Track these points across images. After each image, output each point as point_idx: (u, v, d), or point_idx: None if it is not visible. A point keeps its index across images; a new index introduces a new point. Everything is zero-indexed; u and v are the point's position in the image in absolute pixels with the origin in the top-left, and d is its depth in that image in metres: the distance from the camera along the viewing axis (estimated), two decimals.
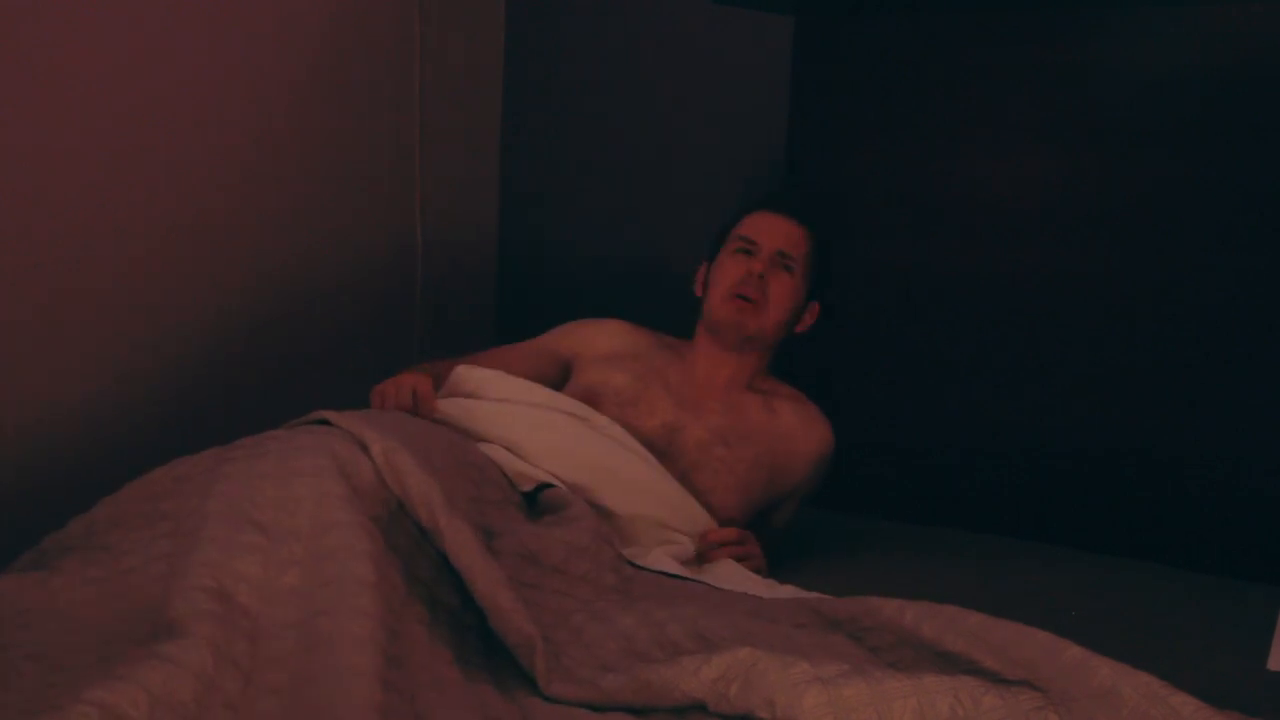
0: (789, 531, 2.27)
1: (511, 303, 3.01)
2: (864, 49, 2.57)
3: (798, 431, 2.23)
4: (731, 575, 1.97)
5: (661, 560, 1.94)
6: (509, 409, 2.03)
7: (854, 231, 2.60)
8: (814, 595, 1.83)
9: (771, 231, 2.20)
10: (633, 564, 1.89)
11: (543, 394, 2.09)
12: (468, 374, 2.12)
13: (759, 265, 2.17)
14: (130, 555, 1.53)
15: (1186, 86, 2.27)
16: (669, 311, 2.30)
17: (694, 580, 1.90)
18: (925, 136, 2.50)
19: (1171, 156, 2.28)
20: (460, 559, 1.58)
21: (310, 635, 1.39)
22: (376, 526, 1.58)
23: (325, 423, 1.79)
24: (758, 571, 2.07)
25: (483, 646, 1.57)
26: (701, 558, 2.05)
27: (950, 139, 2.48)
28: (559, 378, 2.23)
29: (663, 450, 2.11)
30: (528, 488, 1.93)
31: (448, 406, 2.03)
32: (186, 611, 1.38)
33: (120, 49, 2.27)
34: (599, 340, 2.25)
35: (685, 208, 2.47)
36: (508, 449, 1.97)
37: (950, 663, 1.51)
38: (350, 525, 1.53)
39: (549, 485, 1.94)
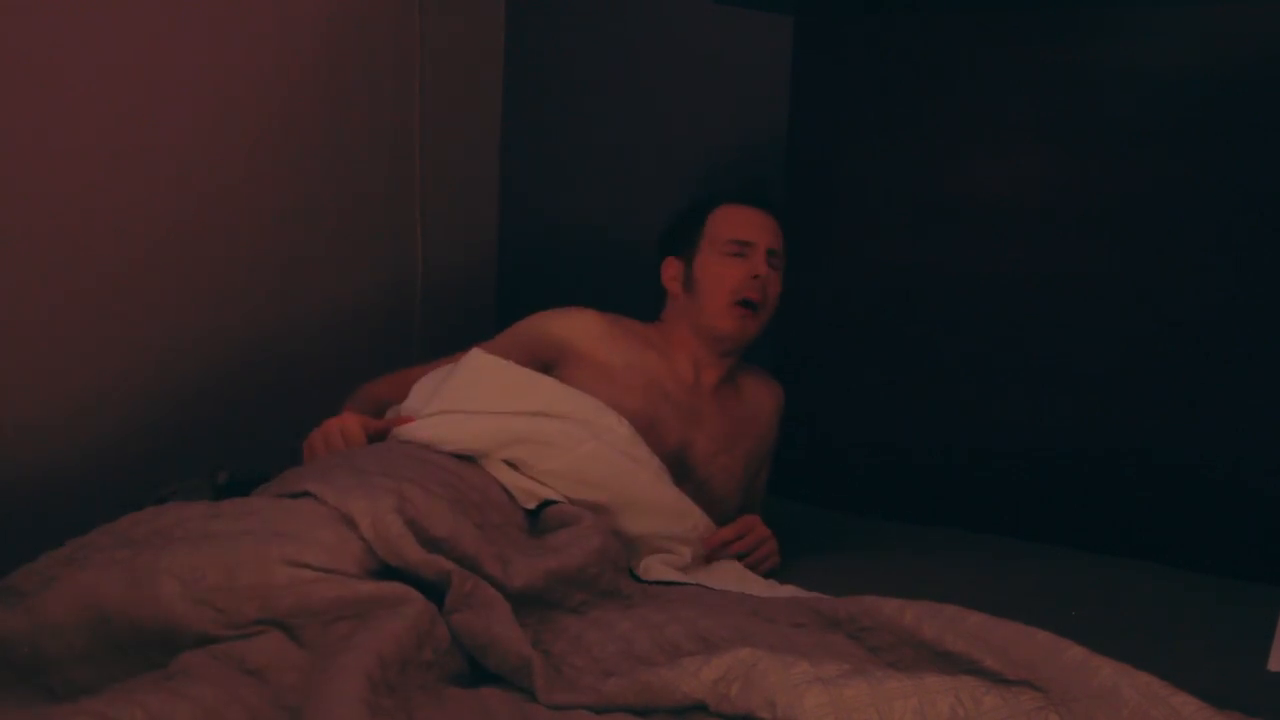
0: (770, 505, 2.29)
1: (511, 304, 3.01)
2: (864, 49, 2.56)
3: (762, 401, 2.26)
4: (730, 576, 1.97)
5: (659, 569, 1.94)
6: (511, 426, 1.93)
7: (854, 231, 2.60)
8: (813, 595, 1.83)
9: (760, 230, 2.18)
10: (634, 576, 1.88)
11: (546, 390, 2.00)
12: (475, 360, 2.04)
13: (762, 269, 2.14)
14: (114, 613, 1.50)
15: (1186, 86, 2.27)
16: None
17: (693, 584, 1.90)
18: (925, 136, 2.50)
19: (1171, 156, 2.28)
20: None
21: (309, 685, 1.39)
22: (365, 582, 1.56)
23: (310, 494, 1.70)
24: (769, 558, 2.07)
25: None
26: (699, 562, 2.04)
27: (950, 139, 2.48)
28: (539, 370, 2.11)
29: (675, 471, 2.08)
30: (531, 505, 1.90)
31: (441, 431, 1.94)
32: (195, 664, 1.38)
33: (118, 50, 2.27)
34: (588, 345, 2.13)
35: (688, 199, 2.45)
36: (513, 465, 1.93)
37: (951, 663, 1.51)
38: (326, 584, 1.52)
39: (552, 501, 1.91)
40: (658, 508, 1.97)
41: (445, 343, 2.51)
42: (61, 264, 2.22)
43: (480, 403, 1.97)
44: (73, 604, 1.51)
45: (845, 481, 2.59)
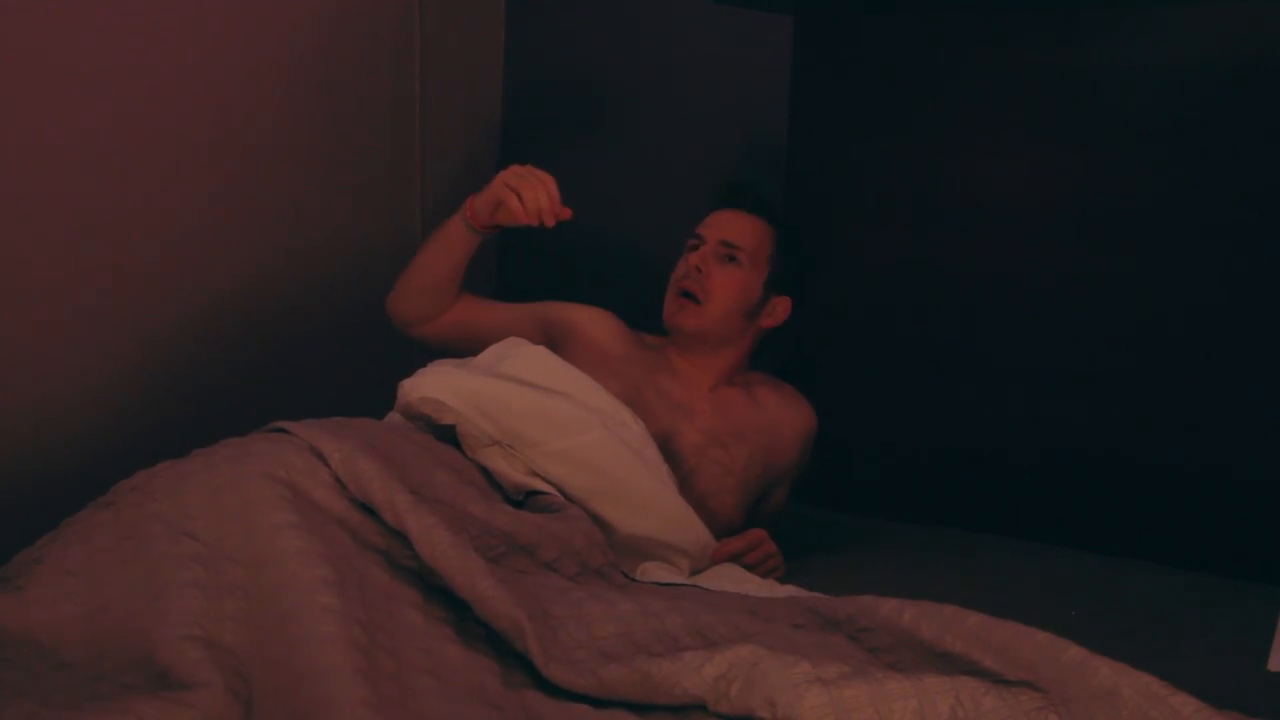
0: (782, 517, 2.27)
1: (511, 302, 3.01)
2: (864, 49, 2.56)
3: (782, 415, 2.23)
4: (729, 577, 1.97)
5: (655, 573, 1.93)
6: (527, 397, 1.94)
7: (854, 231, 2.60)
8: (811, 595, 1.83)
9: (718, 226, 2.21)
10: (626, 575, 1.88)
11: (568, 376, 2.01)
12: (513, 346, 2.05)
13: (697, 259, 2.18)
14: (105, 586, 1.52)
15: (1186, 86, 2.27)
16: None
17: (689, 585, 1.90)
18: (925, 136, 2.50)
19: (1172, 156, 2.28)
20: (434, 558, 1.57)
21: (285, 646, 1.40)
22: (342, 529, 1.58)
23: (284, 431, 1.75)
24: (774, 572, 2.06)
25: (483, 622, 1.57)
26: (696, 572, 2.03)
27: (950, 139, 2.48)
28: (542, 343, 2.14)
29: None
30: (518, 497, 1.90)
31: (479, 383, 1.94)
32: (178, 660, 1.38)
33: (117, 47, 2.27)
34: (597, 330, 2.21)
35: (686, 208, 2.46)
36: (512, 445, 1.92)
37: (950, 663, 1.51)
38: (294, 527, 1.53)
39: (539, 492, 1.90)
40: (656, 510, 1.96)
41: None
42: (58, 259, 2.23)
43: (506, 371, 1.99)
44: (62, 576, 1.51)
45: (845, 481, 2.59)
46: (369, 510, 1.63)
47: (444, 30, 2.84)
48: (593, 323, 2.23)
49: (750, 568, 2.04)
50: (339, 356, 2.65)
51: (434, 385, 1.93)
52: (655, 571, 1.93)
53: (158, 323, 2.38)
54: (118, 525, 1.58)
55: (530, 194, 2.04)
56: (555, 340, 2.20)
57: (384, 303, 2.30)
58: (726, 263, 2.18)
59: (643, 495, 1.95)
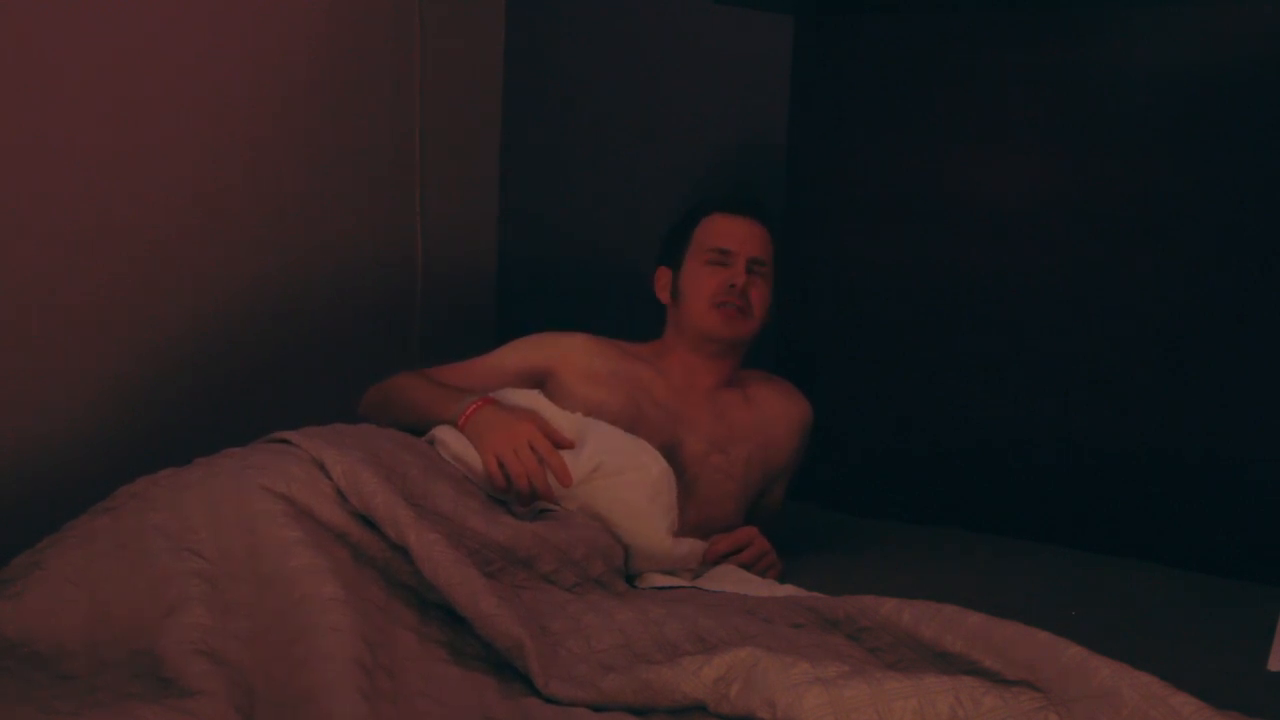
0: (782, 516, 2.27)
1: (512, 306, 3.01)
2: (864, 49, 2.56)
3: (778, 412, 2.23)
4: (729, 577, 1.97)
5: (655, 579, 1.94)
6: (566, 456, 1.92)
7: (854, 231, 2.60)
8: (810, 594, 1.83)
9: (741, 239, 2.18)
10: (628, 582, 1.89)
11: (590, 427, 1.99)
12: (535, 401, 2.02)
13: (740, 278, 2.15)
14: (107, 597, 1.52)
15: (1187, 86, 2.27)
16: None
17: (689, 586, 1.90)
18: (925, 136, 2.50)
19: (1172, 156, 2.28)
20: (436, 575, 1.56)
21: (291, 665, 1.40)
22: (342, 544, 1.58)
23: (287, 442, 1.75)
24: (770, 569, 2.06)
25: (480, 638, 1.57)
26: (697, 573, 2.03)
27: (950, 138, 2.48)
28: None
29: None
30: (525, 516, 1.90)
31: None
32: (183, 670, 1.38)
33: (116, 49, 2.27)
34: (575, 357, 2.16)
35: (686, 208, 2.47)
36: None
37: (950, 663, 1.51)
38: (300, 544, 1.53)
39: (545, 510, 1.90)
40: (659, 557, 1.96)
41: (445, 349, 2.52)
42: (57, 263, 2.23)
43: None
44: (61, 582, 1.51)
45: (845, 481, 2.58)
46: (369, 523, 1.63)
47: (444, 30, 2.84)
48: (571, 356, 2.17)
49: (745, 566, 2.04)
50: (340, 359, 2.66)
51: (463, 452, 1.92)
52: (656, 577, 1.94)
53: (159, 325, 2.38)
54: (118, 532, 1.58)
55: (518, 477, 1.90)
56: (540, 381, 2.15)
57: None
58: (759, 278, 2.18)
59: (647, 547, 1.94)
